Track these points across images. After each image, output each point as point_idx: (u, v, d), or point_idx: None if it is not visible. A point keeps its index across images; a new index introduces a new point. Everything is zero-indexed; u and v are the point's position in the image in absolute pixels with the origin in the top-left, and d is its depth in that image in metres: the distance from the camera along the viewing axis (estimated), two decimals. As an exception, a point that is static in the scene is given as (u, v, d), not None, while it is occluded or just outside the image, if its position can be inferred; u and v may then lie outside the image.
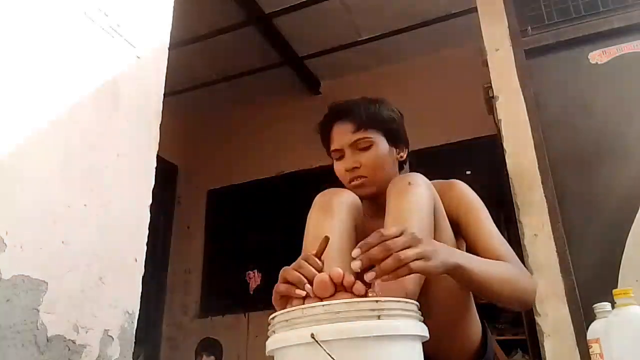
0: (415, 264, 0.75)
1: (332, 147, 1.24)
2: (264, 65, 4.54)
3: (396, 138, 1.25)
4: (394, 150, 1.25)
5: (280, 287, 0.79)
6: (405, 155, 1.28)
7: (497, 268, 1.00)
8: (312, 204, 1.13)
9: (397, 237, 0.76)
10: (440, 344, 1.02)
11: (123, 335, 1.05)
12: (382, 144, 1.21)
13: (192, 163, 5.17)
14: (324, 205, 1.10)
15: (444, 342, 1.05)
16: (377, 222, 1.18)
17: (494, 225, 1.15)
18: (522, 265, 1.10)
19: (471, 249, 1.13)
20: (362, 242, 0.76)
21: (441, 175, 1.28)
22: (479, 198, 1.20)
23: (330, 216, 1.07)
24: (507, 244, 1.12)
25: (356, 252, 0.75)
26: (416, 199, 1.02)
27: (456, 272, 0.85)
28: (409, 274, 0.76)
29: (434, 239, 1.01)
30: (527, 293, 1.04)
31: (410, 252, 0.75)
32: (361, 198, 1.20)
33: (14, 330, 0.83)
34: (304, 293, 0.75)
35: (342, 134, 1.21)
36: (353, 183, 1.19)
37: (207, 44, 4.21)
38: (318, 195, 1.14)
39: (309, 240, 1.07)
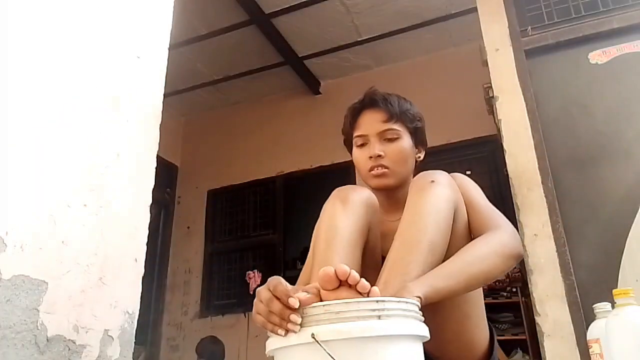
0: None
1: (358, 133, 1.24)
2: (264, 65, 4.54)
3: (419, 138, 1.28)
4: (415, 149, 1.26)
5: (258, 318, 0.77)
6: (422, 157, 1.30)
7: (474, 256, 0.98)
8: (329, 197, 1.12)
9: None
10: (447, 348, 1.02)
11: (123, 335, 1.05)
12: (407, 140, 1.23)
13: (192, 163, 5.17)
14: (341, 198, 1.09)
15: (450, 346, 1.04)
16: (391, 217, 1.18)
17: (484, 198, 1.14)
18: (507, 223, 1.08)
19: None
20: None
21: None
22: (475, 185, 1.19)
23: (346, 209, 1.06)
24: (494, 211, 1.11)
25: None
26: (436, 199, 1.01)
27: (432, 298, 0.85)
28: None
29: (450, 242, 1.00)
30: (510, 256, 1.02)
31: None
32: (378, 189, 1.20)
33: (14, 330, 0.83)
34: (282, 333, 0.73)
35: (372, 122, 1.22)
36: (374, 172, 1.19)
37: (207, 44, 4.21)
38: (336, 190, 1.13)
39: (322, 230, 1.05)
